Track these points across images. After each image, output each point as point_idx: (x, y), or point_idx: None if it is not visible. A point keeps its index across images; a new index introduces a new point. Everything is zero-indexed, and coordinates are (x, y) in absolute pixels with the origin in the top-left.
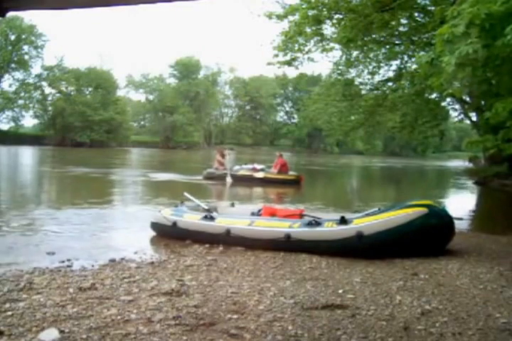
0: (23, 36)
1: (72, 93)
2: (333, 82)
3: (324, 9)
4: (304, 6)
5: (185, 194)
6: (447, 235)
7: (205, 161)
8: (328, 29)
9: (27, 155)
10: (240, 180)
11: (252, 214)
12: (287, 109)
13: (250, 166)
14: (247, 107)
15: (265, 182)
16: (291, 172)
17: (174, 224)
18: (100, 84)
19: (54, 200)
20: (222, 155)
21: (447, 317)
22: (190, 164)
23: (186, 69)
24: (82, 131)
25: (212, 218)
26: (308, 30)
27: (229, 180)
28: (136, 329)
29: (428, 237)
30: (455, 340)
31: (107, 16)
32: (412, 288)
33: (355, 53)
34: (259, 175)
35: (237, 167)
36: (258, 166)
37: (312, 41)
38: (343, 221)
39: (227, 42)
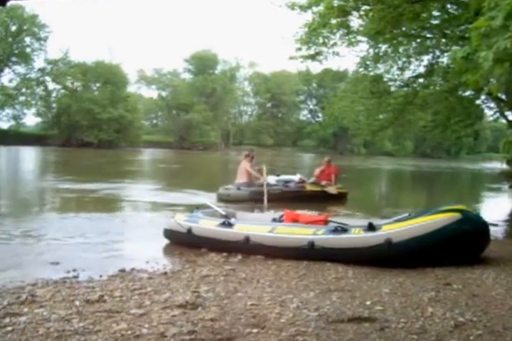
0: (25, 27)
1: (78, 89)
2: (360, 78)
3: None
4: None
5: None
6: (482, 242)
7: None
8: (354, 21)
9: (29, 157)
10: (308, 199)
11: (274, 220)
12: (311, 106)
13: (293, 177)
14: (268, 105)
15: (336, 198)
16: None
17: (189, 230)
18: (109, 79)
19: (57, 208)
20: (251, 161)
21: (482, 330)
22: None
23: (202, 63)
24: (89, 131)
25: (230, 224)
26: (333, 21)
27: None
28: None
29: (461, 244)
30: None
31: (116, 6)
32: (445, 298)
33: (383, 47)
34: (332, 190)
35: (270, 179)
36: (302, 176)
37: (338, 34)
38: (371, 227)
39: (247, 34)
